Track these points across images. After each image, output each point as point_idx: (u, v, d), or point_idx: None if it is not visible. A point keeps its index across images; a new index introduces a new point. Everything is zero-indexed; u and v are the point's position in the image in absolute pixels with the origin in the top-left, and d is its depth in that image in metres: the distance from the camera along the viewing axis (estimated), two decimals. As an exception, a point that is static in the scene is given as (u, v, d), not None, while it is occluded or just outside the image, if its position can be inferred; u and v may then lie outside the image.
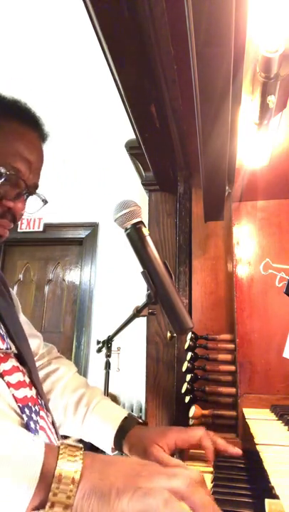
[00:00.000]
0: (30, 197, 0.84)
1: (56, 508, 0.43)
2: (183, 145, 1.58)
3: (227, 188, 1.40)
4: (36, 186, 0.84)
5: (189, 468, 0.52)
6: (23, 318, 0.97)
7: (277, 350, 1.25)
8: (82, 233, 3.50)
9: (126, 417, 0.88)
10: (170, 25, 1.07)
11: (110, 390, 1.50)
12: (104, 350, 1.53)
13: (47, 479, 0.43)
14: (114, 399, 3.03)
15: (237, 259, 1.42)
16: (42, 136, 0.85)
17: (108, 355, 1.52)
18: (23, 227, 3.53)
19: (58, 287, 3.56)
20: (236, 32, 0.67)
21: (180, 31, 1.00)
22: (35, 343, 1.00)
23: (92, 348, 3.16)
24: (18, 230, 3.53)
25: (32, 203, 0.87)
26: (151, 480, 0.46)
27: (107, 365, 1.54)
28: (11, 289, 0.96)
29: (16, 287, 3.61)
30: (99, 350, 1.55)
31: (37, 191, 0.85)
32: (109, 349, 1.51)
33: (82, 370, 3.23)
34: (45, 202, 0.88)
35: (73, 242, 3.56)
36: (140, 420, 0.89)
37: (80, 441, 0.85)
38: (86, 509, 0.43)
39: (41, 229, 3.53)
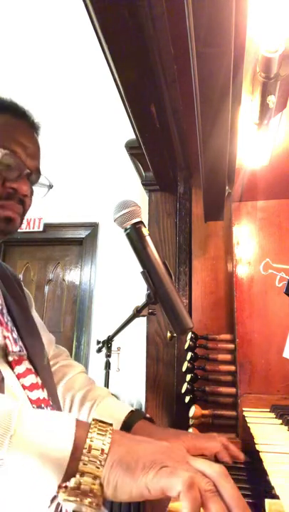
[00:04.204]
0: (34, 181, 0.87)
1: (86, 478, 0.45)
2: (183, 145, 1.58)
3: (227, 188, 1.40)
4: (38, 170, 0.86)
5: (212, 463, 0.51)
6: (37, 319, 0.98)
7: (277, 350, 1.25)
8: (82, 233, 3.50)
9: (132, 411, 0.88)
10: (170, 25, 1.07)
11: (110, 390, 1.50)
12: (104, 350, 1.53)
13: (78, 450, 0.46)
14: (114, 399, 3.03)
15: (237, 259, 1.42)
16: (33, 126, 0.88)
17: (108, 355, 1.52)
18: (22, 227, 3.52)
19: (58, 287, 3.55)
20: (236, 32, 0.66)
21: (180, 31, 1.00)
22: (46, 344, 1.00)
23: (92, 348, 3.15)
24: (18, 230, 3.52)
25: (38, 189, 0.90)
26: (178, 462, 0.46)
27: (107, 365, 1.54)
28: (25, 289, 0.99)
29: (16, 287, 3.60)
30: (99, 350, 1.55)
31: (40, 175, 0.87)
32: (109, 349, 1.51)
33: (82, 370, 3.22)
34: (50, 186, 0.91)
35: (73, 242, 3.56)
36: (147, 416, 0.88)
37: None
38: (112, 479, 0.45)
39: (41, 229, 3.53)
